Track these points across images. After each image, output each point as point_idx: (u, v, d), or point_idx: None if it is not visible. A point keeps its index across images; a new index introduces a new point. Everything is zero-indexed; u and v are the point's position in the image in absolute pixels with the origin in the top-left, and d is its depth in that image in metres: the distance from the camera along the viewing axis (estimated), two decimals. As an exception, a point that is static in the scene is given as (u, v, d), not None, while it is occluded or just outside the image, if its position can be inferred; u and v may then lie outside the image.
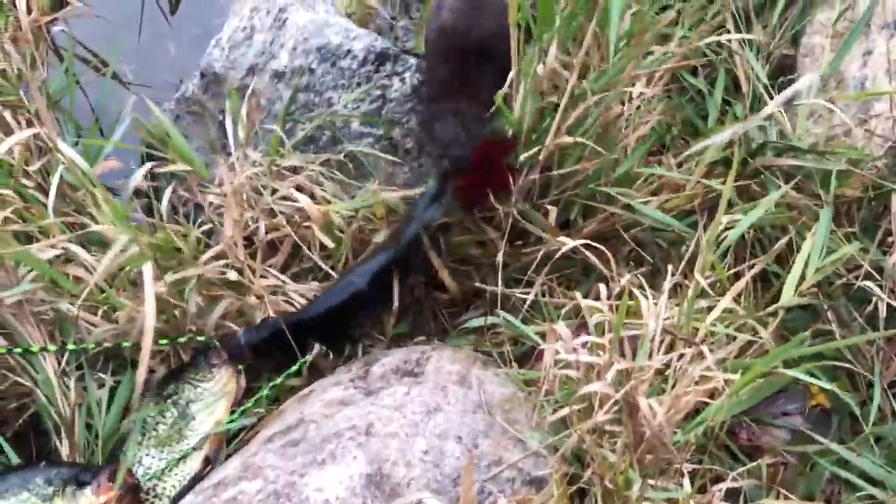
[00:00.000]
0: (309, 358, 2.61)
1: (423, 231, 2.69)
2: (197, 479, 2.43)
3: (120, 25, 3.77)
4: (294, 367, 2.59)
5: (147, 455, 2.49)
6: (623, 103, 2.78)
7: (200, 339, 2.66)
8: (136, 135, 3.07)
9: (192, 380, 2.60)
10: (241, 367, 2.61)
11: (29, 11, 3.32)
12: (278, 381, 2.58)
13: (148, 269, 2.51)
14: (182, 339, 2.66)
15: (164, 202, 2.82)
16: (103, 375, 2.63)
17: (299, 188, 2.81)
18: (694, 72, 3.16)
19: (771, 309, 2.41)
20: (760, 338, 2.39)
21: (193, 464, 2.47)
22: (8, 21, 3.30)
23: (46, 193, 2.77)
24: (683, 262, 2.38)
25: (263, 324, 2.65)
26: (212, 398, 2.57)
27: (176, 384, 2.60)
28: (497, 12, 2.60)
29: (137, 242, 2.57)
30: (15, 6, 3.32)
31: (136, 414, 2.54)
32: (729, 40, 3.10)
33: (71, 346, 2.61)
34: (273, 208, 2.81)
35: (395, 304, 2.68)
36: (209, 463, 2.47)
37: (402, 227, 2.75)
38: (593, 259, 2.48)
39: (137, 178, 2.83)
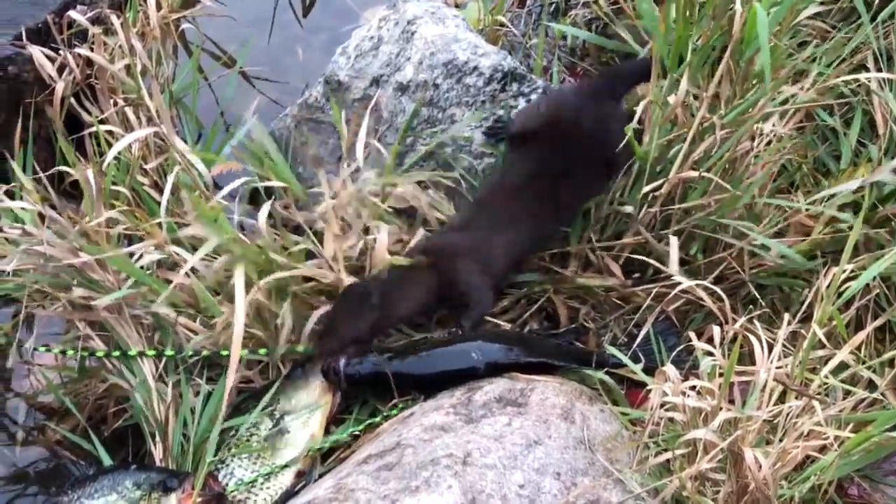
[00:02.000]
0: (400, 408, 2.56)
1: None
2: (289, 494, 2.42)
3: (252, 27, 3.78)
4: (377, 418, 2.55)
5: (239, 466, 2.47)
6: (753, 139, 2.69)
7: (299, 350, 2.64)
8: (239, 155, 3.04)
9: (288, 392, 2.57)
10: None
11: (159, 7, 3.31)
12: (360, 427, 2.55)
13: (240, 274, 2.47)
14: (280, 350, 2.63)
15: (262, 216, 2.70)
16: (200, 381, 2.62)
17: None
18: (829, 110, 3.06)
19: (886, 357, 2.32)
20: (877, 387, 2.31)
21: (285, 479, 2.45)
22: (137, 16, 3.29)
23: (161, 191, 2.74)
24: (801, 308, 2.33)
25: (367, 360, 2.58)
26: (307, 411, 2.54)
27: (271, 396, 2.57)
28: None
29: (229, 247, 2.54)
30: (145, 1, 3.31)
31: (228, 423, 2.53)
32: (868, 79, 2.99)
33: (169, 352, 2.60)
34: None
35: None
36: (302, 476, 2.45)
37: (545, 346, 2.69)
38: (708, 302, 2.42)
39: (236, 185, 2.77)
